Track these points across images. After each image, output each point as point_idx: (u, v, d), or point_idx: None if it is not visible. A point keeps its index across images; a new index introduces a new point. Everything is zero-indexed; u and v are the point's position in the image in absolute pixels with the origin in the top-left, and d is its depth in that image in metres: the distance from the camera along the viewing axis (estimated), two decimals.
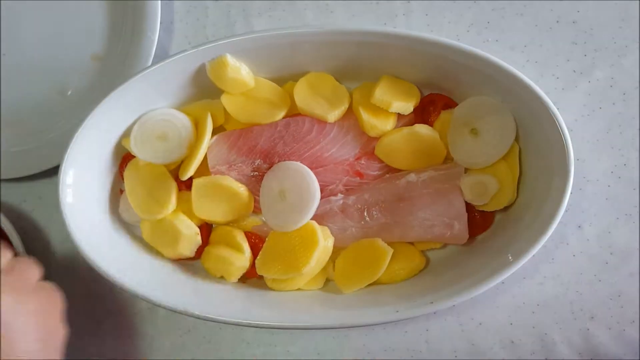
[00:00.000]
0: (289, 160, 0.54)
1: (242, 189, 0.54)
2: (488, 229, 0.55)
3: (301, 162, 0.53)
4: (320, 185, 0.52)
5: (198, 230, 0.55)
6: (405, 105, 0.53)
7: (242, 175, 0.55)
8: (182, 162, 0.55)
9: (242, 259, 0.53)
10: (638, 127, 0.57)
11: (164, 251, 0.55)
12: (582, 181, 0.57)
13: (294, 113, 0.55)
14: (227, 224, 0.56)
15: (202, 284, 0.54)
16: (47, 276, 0.59)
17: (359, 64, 0.54)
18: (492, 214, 0.55)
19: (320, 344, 0.58)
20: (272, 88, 0.55)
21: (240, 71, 0.52)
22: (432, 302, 0.50)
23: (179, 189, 0.55)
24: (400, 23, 0.59)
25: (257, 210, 0.56)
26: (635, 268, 0.56)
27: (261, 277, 0.55)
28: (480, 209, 0.54)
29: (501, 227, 0.55)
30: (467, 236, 0.53)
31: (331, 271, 0.55)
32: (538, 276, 0.57)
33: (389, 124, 0.54)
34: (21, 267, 0.48)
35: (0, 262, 0.47)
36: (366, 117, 0.53)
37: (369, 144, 0.55)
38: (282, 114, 0.54)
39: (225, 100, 0.54)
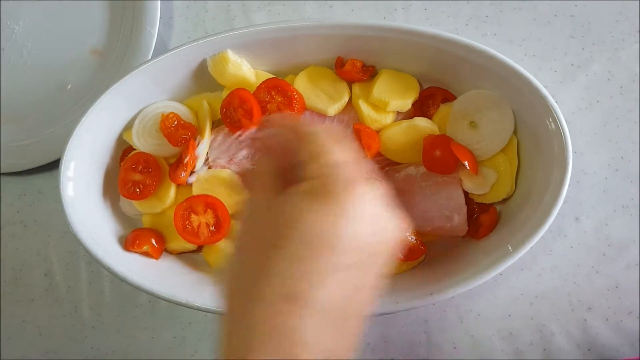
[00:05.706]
0: None
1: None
2: None
3: None
4: None
5: None
6: (403, 103, 0.53)
7: (243, 169, 0.55)
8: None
9: None
10: (635, 120, 0.58)
11: (165, 244, 0.55)
12: (579, 174, 0.58)
13: None
14: None
15: (204, 277, 0.54)
16: (47, 272, 0.60)
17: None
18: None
19: None
20: None
21: (241, 68, 0.52)
22: (431, 294, 0.50)
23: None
24: (399, 17, 0.60)
25: None
26: (632, 260, 0.57)
27: None
28: (479, 201, 0.55)
29: (500, 220, 0.55)
30: (467, 228, 0.53)
31: None
32: (536, 268, 0.57)
33: (388, 117, 0.54)
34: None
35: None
36: (366, 110, 0.53)
37: None
38: None
39: (225, 94, 0.54)
